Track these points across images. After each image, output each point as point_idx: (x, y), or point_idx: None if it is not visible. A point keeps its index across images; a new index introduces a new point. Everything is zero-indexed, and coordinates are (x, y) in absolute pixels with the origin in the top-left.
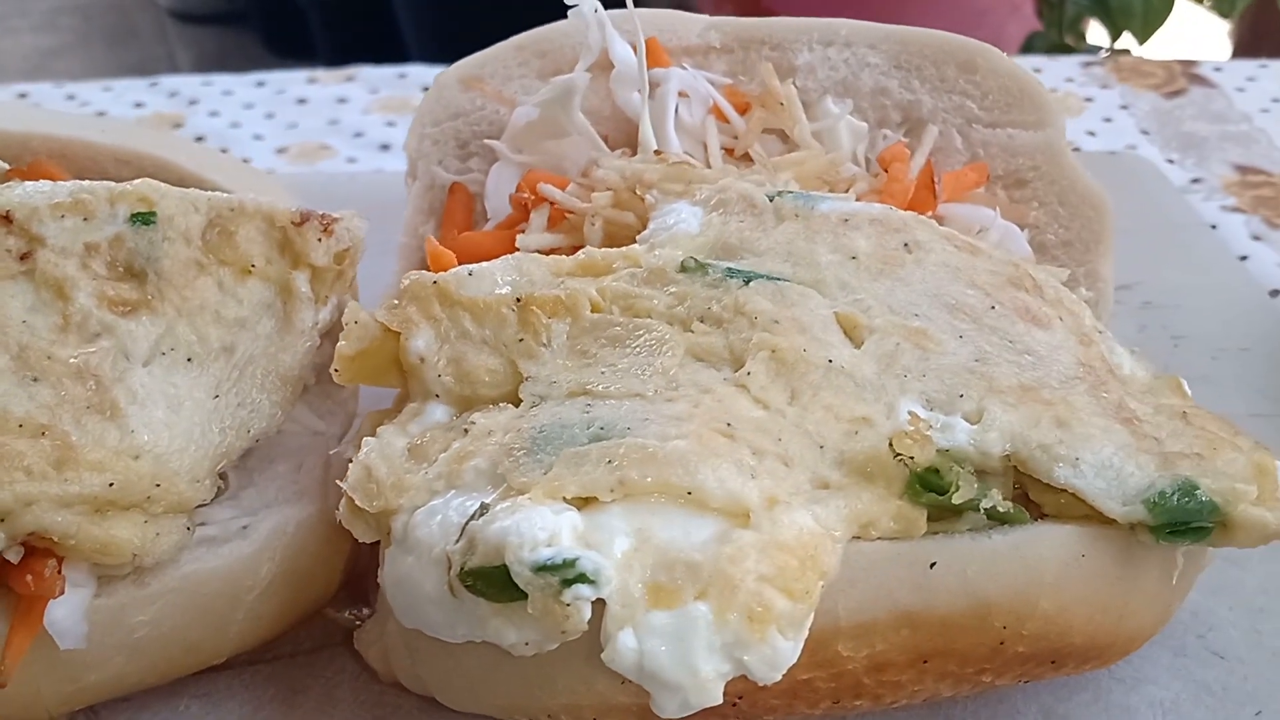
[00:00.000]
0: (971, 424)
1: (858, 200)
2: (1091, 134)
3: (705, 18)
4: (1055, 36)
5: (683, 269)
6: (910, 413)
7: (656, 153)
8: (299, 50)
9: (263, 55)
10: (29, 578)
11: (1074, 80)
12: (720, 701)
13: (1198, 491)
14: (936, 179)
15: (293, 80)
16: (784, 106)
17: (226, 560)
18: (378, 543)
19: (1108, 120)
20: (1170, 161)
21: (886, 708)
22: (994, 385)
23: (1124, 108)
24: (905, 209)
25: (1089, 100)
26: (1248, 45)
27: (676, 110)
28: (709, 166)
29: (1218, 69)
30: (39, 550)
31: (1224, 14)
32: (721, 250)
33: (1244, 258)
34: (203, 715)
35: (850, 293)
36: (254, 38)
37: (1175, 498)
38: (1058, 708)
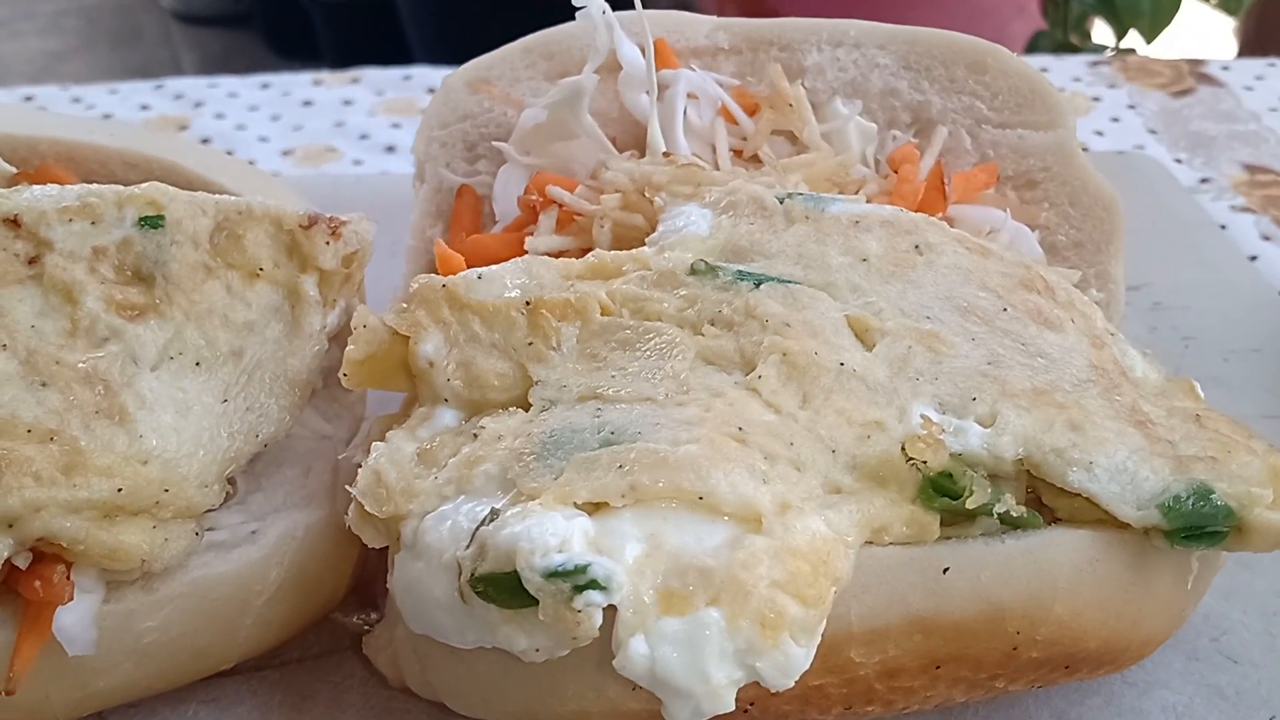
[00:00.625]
0: (984, 428)
1: (868, 202)
2: (1099, 134)
3: (713, 19)
4: (1060, 36)
5: (693, 272)
6: (923, 416)
7: (665, 155)
8: (303, 52)
9: (267, 57)
10: (37, 584)
11: (1081, 80)
12: (732, 708)
13: (1213, 495)
14: (946, 180)
15: (298, 82)
16: (793, 108)
17: (235, 565)
18: (387, 548)
19: (1115, 120)
20: (1178, 161)
21: (898, 713)
22: (1007, 388)
23: (1131, 107)
24: (915, 210)
25: (1096, 100)
26: (1253, 44)
27: (685, 112)
28: (718, 169)
29: (1225, 68)
30: (47, 556)
31: (1230, 11)
32: (732, 253)
33: (1254, 258)
34: None
35: (861, 295)
36: (258, 40)
37: (1190, 502)
38: (1070, 712)
